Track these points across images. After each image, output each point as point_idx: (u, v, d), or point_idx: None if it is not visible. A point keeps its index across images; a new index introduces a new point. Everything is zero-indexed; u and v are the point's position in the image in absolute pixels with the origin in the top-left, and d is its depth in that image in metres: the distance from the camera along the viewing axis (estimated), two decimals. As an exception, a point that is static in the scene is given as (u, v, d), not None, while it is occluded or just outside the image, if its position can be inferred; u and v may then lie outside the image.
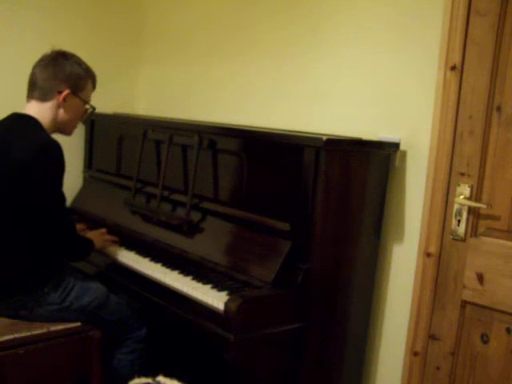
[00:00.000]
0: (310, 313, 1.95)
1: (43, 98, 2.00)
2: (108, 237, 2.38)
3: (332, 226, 1.95)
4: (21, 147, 1.87)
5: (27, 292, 1.95)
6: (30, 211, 1.90)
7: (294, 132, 2.18)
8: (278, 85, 2.55)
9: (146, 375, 1.52)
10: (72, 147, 3.00)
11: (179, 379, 1.51)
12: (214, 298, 1.84)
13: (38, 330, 1.93)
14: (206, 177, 2.27)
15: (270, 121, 2.55)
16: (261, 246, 1.99)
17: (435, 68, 1.98)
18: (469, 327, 1.98)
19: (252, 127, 2.42)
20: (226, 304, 1.75)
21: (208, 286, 1.96)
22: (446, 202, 2.00)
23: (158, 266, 2.18)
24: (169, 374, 1.52)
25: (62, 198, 1.98)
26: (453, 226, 1.99)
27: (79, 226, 2.42)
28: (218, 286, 1.95)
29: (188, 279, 2.04)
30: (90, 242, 2.19)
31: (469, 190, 1.94)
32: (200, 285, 1.98)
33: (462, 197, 1.96)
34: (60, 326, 1.97)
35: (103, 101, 3.03)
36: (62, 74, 2.00)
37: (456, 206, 1.98)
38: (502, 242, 1.88)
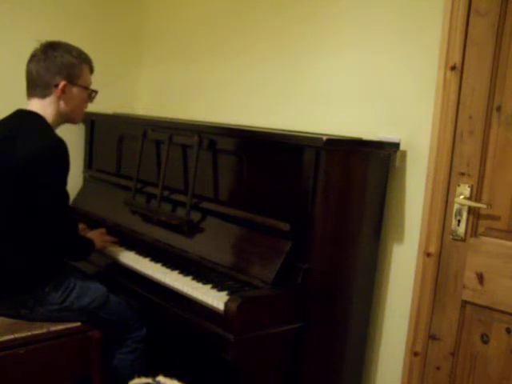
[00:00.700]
0: (310, 313, 1.95)
1: (43, 94, 1.99)
2: (108, 237, 2.38)
3: (332, 226, 1.95)
4: (25, 145, 1.87)
5: (28, 291, 1.95)
6: (33, 209, 1.89)
7: (294, 132, 2.18)
8: (278, 85, 2.55)
9: (146, 375, 1.52)
10: (72, 147, 2.96)
11: (179, 379, 1.51)
12: (214, 298, 1.84)
13: (38, 329, 1.93)
14: (205, 177, 2.27)
15: (269, 121, 2.55)
16: (261, 246, 1.99)
17: (435, 68, 1.98)
18: (469, 327, 1.98)
19: (252, 127, 2.42)
20: (226, 304, 1.75)
21: (208, 286, 1.96)
22: (446, 201, 2.00)
23: (158, 265, 2.18)
24: (169, 374, 1.52)
25: (66, 196, 1.98)
26: (453, 226, 1.99)
27: (80, 226, 2.42)
28: (218, 285, 1.95)
29: (188, 279, 2.04)
30: (90, 241, 2.19)
31: (469, 190, 1.94)
32: (200, 285, 1.98)
33: (461, 197, 1.96)
34: (60, 326, 1.97)
35: (103, 101, 3.04)
36: (54, 66, 1.97)
37: (456, 206, 1.98)
38: (501, 242, 1.88)
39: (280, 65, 2.53)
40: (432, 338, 2.07)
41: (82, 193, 2.97)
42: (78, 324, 2.01)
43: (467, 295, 1.97)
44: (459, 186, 1.97)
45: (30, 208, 1.89)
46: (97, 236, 2.31)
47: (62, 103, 2.01)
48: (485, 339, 1.94)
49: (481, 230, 1.94)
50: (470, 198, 1.94)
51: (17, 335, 1.87)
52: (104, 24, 3.07)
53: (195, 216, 2.25)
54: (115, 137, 2.81)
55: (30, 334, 1.90)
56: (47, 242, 1.96)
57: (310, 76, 2.41)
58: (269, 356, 1.92)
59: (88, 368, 2.02)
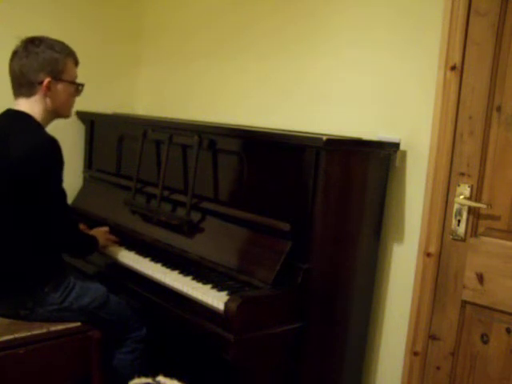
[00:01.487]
0: (310, 313, 1.95)
1: (28, 92, 1.95)
2: (111, 236, 2.38)
3: (332, 226, 1.95)
4: (17, 146, 1.86)
5: (27, 292, 1.95)
6: (30, 209, 1.89)
7: (294, 132, 2.18)
8: (278, 85, 2.55)
9: (146, 375, 1.52)
10: (72, 147, 3.00)
11: (179, 379, 1.50)
12: (214, 298, 1.84)
13: (38, 329, 1.93)
14: (205, 177, 2.27)
15: (269, 121, 2.55)
16: (261, 246, 1.99)
17: (435, 68, 1.98)
18: (469, 327, 1.98)
19: (252, 127, 2.42)
20: (226, 304, 1.75)
21: (208, 286, 1.96)
22: (446, 201, 2.00)
23: (158, 265, 2.18)
24: (169, 374, 1.52)
25: (63, 194, 1.96)
26: (453, 226, 1.99)
27: (80, 226, 2.42)
28: (218, 285, 1.95)
29: (188, 279, 2.04)
30: (94, 238, 2.19)
31: (469, 190, 1.94)
32: (200, 285, 1.97)
33: (461, 197, 1.96)
34: (60, 326, 1.97)
35: (103, 101, 3.05)
36: (37, 63, 1.93)
37: (456, 206, 1.98)
38: (501, 242, 1.88)
39: (280, 65, 2.53)
40: (432, 337, 2.07)
41: (82, 193, 2.97)
42: (78, 324, 2.01)
43: (467, 295, 1.97)
44: (459, 185, 1.97)
45: (27, 208, 1.89)
46: (100, 234, 2.31)
47: (48, 100, 1.97)
48: (485, 339, 1.94)
49: (481, 229, 1.94)
50: (470, 198, 1.94)
51: (16, 335, 1.87)
52: (104, 24, 3.07)
53: (195, 216, 2.24)
54: (115, 137, 2.81)
55: (29, 334, 1.90)
56: (46, 242, 1.96)
57: (310, 76, 2.40)
58: (269, 356, 1.92)
59: (88, 368, 2.02)
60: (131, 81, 3.28)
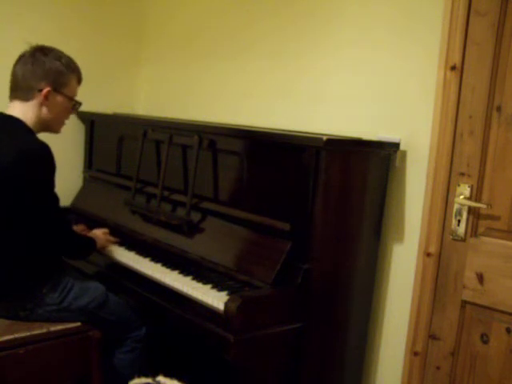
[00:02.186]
0: (310, 313, 1.95)
1: (25, 97, 1.94)
2: (110, 237, 2.38)
3: (332, 226, 1.95)
4: (7, 151, 1.83)
5: (26, 293, 1.95)
6: (23, 213, 1.88)
7: (294, 132, 2.18)
8: (278, 85, 2.55)
9: (146, 375, 1.52)
10: (72, 147, 3.00)
11: (179, 379, 1.51)
12: (214, 298, 1.84)
13: (38, 330, 1.93)
14: (205, 177, 2.27)
15: (269, 121, 2.55)
16: (261, 246, 1.99)
17: (435, 68, 1.98)
18: (469, 327, 1.98)
19: (252, 127, 2.42)
20: (226, 304, 1.75)
21: (208, 286, 1.96)
22: (446, 202, 2.00)
23: (158, 265, 2.18)
24: (169, 374, 1.52)
25: (55, 198, 1.95)
26: (453, 226, 1.99)
27: (79, 227, 2.43)
28: (218, 285, 1.95)
29: (188, 279, 2.04)
30: (91, 240, 2.19)
31: (469, 190, 1.94)
32: (200, 285, 1.98)
33: (461, 197, 1.96)
34: (60, 326, 1.97)
35: (103, 101, 3.05)
36: (41, 70, 1.92)
37: (456, 206, 1.98)
38: (502, 242, 1.88)
39: (280, 64, 2.53)
40: (432, 337, 2.07)
41: (81, 193, 2.97)
42: (78, 324, 2.01)
43: (467, 295, 1.97)
44: (459, 186, 1.97)
45: (20, 212, 1.87)
46: (99, 235, 2.31)
47: (44, 109, 1.96)
48: (485, 339, 1.94)
49: (481, 230, 1.94)
50: (470, 198, 1.94)
51: (16, 335, 1.87)
52: (104, 24, 3.07)
53: (195, 216, 2.24)
54: (115, 137, 2.81)
55: (29, 334, 1.90)
56: (43, 243, 1.95)
57: (311, 76, 2.40)
58: (269, 356, 1.92)
59: (88, 368, 2.02)
60: (131, 81, 3.28)
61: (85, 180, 3.03)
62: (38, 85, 1.93)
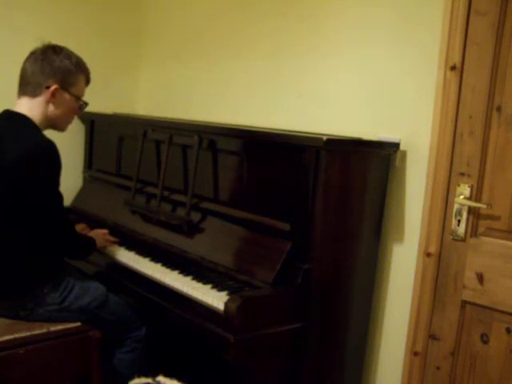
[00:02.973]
0: (310, 313, 1.95)
1: (33, 93, 1.95)
2: (110, 237, 2.38)
3: (332, 226, 1.95)
4: (13, 148, 1.84)
5: (26, 293, 1.95)
6: (26, 212, 1.88)
7: (294, 132, 2.18)
8: (278, 85, 2.55)
9: (146, 375, 1.52)
10: (72, 147, 3.00)
11: (179, 379, 1.50)
12: (214, 298, 1.84)
13: (38, 330, 1.93)
14: (205, 177, 2.27)
15: (269, 121, 2.55)
16: (261, 246, 1.99)
17: (435, 68, 1.98)
18: (469, 327, 1.98)
19: (252, 127, 2.42)
20: (226, 304, 1.75)
21: (208, 286, 1.96)
22: (446, 202, 2.00)
23: (158, 265, 2.18)
24: (169, 374, 1.52)
25: (59, 197, 1.95)
26: (453, 226, 1.99)
27: (80, 226, 2.43)
28: (218, 285, 1.95)
29: (188, 279, 2.04)
30: (91, 240, 2.19)
31: (469, 190, 1.94)
32: (200, 285, 1.98)
33: (461, 197, 1.96)
34: (60, 326, 1.97)
35: (103, 101, 3.05)
36: (50, 68, 1.94)
37: (456, 206, 1.98)
38: (502, 242, 1.88)
39: (280, 65, 2.53)
40: (432, 337, 2.07)
41: (81, 193, 2.97)
42: (78, 324, 2.01)
43: (467, 295, 1.97)
44: (459, 186, 1.97)
45: (24, 210, 1.88)
46: (99, 235, 2.31)
47: (50, 107, 1.97)
48: (485, 339, 1.94)
49: (481, 230, 1.94)
50: (469, 198, 1.94)
51: (17, 335, 1.87)
52: (104, 24, 3.08)
53: (195, 216, 2.25)
54: (115, 137, 2.81)
55: (29, 334, 1.90)
56: (44, 243, 1.95)
57: (310, 76, 2.40)
58: (269, 356, 1.92)
59: (88, 368, 2.02)
60: (131, 81, 3.28)
61: (85, 180, 3.04)
62: (45, 82, 1.94)
